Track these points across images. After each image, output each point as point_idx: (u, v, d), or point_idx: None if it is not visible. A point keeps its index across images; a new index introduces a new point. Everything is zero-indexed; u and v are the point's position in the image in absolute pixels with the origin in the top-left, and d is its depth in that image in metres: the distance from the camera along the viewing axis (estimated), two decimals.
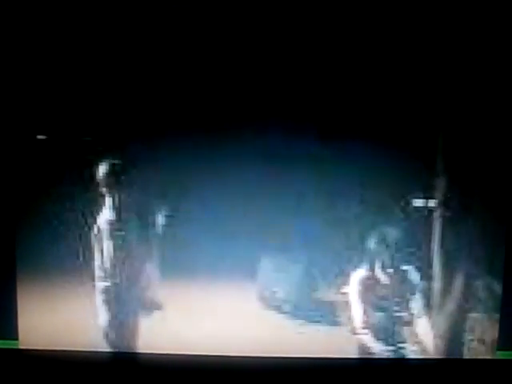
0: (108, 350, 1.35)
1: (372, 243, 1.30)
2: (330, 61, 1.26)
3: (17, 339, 1.34)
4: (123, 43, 1.25)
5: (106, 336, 1.34)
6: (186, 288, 1.32)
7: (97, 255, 1.32)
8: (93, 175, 1.29)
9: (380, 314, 1.32)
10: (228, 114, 1.28)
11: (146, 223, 1.31)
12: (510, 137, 1.27)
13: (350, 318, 1.34)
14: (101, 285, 1.33)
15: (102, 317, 1.34)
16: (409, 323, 1.33)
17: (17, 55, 1.25)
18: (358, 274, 1.32)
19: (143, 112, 1.28)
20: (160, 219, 1.31)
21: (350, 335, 1.34)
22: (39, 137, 1.28)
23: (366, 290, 1.32)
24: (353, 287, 1.32)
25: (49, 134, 1.28)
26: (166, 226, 1.31)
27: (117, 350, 1.35)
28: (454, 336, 1.33)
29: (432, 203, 1.30)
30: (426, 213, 1.30)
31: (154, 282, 1.33)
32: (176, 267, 1.32)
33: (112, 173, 1.29)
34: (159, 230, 1.31)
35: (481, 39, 1.23)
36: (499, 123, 1.27)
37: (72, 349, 1.34)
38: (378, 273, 1.31)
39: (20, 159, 1.29)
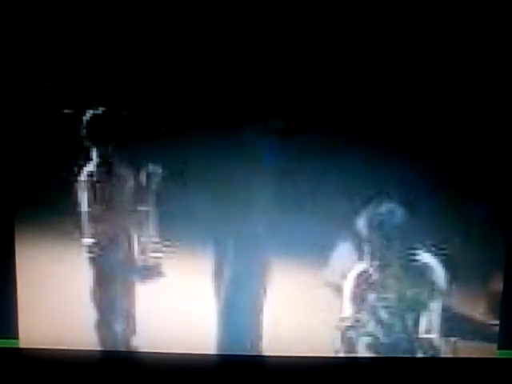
0: (109, 349, 1.34)
1: None
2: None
3: (17, 338, 1.33)
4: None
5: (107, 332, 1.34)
6: None
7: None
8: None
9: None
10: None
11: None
12: None
13: None
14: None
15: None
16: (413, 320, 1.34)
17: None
18: None
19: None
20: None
21: None
22: None
23: None
24: None
25: None
26: None
27: (119, 350, 1.34)
28: (453, 335, 1.34)
29: None
30: None
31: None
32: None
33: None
34: None
35: None
36: None
37: (73, 348, 1.33)
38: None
39: None
